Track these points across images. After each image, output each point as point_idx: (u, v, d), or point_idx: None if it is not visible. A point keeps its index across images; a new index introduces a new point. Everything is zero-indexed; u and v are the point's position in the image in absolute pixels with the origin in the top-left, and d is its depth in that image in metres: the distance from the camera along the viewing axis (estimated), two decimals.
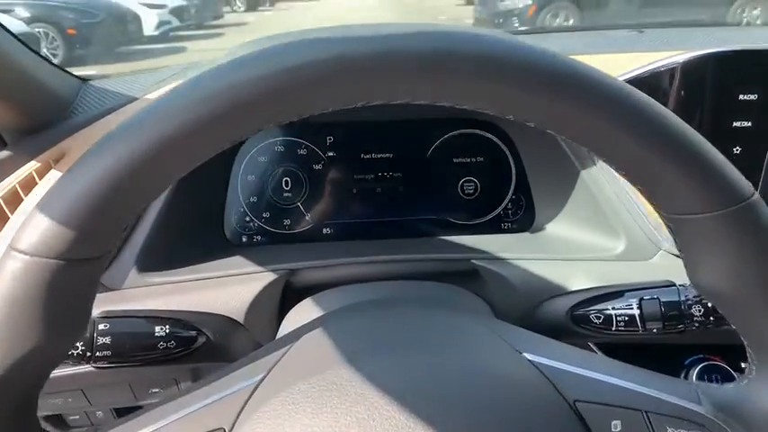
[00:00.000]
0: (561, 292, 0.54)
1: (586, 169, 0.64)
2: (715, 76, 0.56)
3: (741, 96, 0.55)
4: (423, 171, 0.72)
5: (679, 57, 0.57)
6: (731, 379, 0.65)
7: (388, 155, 0.71)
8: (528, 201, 0.73)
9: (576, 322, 0.49)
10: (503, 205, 0.73)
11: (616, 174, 0.62)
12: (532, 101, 0.27)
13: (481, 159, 0.73)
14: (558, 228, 0.70)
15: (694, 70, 0.56)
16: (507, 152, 0.72)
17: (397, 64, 0.25)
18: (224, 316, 0.55)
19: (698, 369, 0.62)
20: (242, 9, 12.38)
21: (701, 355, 0.64)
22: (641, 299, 0.48)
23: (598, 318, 0.48)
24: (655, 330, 0.47)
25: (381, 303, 0.44)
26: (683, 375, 0.63)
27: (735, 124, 0.56)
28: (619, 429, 0.32)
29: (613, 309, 0.48)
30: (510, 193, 0.73)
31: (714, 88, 0.56)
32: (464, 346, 0.36)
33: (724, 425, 0.32)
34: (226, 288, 0.58)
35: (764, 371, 0.32)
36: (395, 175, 0.72)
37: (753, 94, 0.55)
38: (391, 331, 0.38)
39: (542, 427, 0.31)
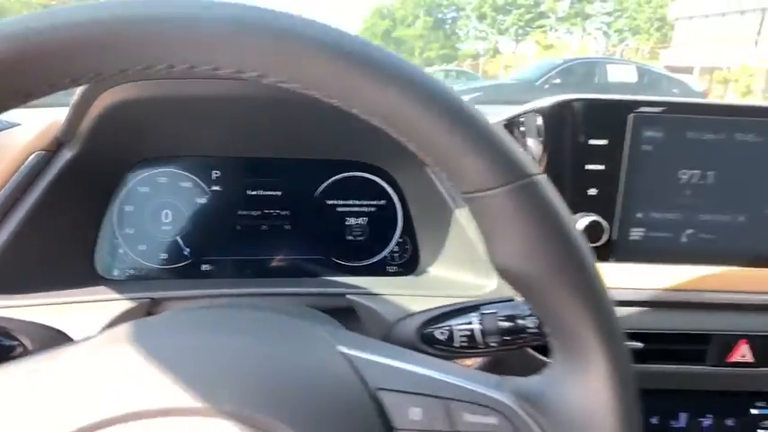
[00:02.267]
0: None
1: (459, 209, 0.67)
2: (570, 121, 0.60)
3: (591, 141, 0.60)
4: (310, 211, 0.72)
5: (545, 102, 0.62)
6: None
7: (275, 193, 0.71)
8: (413, 244, 0.74)
9: (424, 341, 0.48)
10: (389, 248, 0.74)
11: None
12: (333, 79, 0.28)
13: (369, 202, 0.74)
14: (440, 269, 0.71)
15: (554, 116, 0.61)
16: (394, 196, 0.74)
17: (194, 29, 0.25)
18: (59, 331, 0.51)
19: None
20: None
21: None
22: (481, 314, 0.48)
23: (443, 334, 0.48)
24: (494, 345, 0.47)
25: (210, 311, 0.42)
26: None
27: (588, 167, 0.60)
28: (419, 416, 0.31)
29: (456, 325, 0.47)
30: (396, 237, 0.74)
31: (569, 133, 0.60)
32: (278, 334, 0.35)
33: (522, 412, 0.31)
34: (77, 312, 0.55)
35: (563, 359, 0.32)
36: (281, 213, 0.72)
37: (603, 139, 0.60)
38: (204, 318, 0.37)
39: (340, 411, 0.30)
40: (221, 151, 0.69)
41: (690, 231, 0.62)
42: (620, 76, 9.02)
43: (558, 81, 8.71)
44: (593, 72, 9.12)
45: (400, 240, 0.74)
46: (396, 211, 0.74)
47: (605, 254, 0.62)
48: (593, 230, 0.60)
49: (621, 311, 0.63)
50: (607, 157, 0.60)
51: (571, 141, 0.60)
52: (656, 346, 0.63)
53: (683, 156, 0.60)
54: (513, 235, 0.30)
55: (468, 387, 0.32)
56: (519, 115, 0.63)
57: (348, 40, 0.28)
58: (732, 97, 11.77)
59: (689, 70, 15.93)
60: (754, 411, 0.66)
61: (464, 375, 0.33)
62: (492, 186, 0.30)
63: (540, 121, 0.61)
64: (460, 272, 0.67)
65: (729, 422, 0.66)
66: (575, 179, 0.61)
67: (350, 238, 0.73)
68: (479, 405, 0.31)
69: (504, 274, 0.32)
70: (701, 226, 0.62)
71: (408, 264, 0.74)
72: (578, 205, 0.61)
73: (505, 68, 18.38)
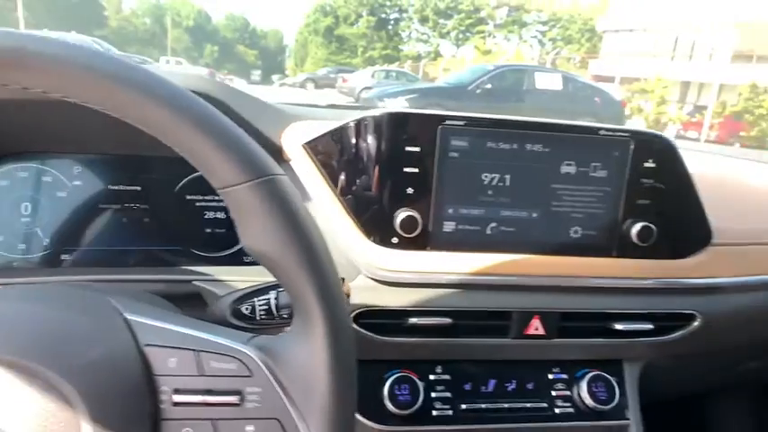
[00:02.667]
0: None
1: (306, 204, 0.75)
2: (392, 130, 0.70)
3: (407, 148, 0.70)
4: (170, 205, 0.78)
5: (375, 112, 0.71)
6: (612, 388, 0.79)
7: (136, 187, 0.77)
8: None
9: (235, 316, 0.56)
10: None
11: (326, 208, 0.73)
12: (101, 92, 0.35)
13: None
14: None
15: (380, 125, 0.70)
16: None
17: None
18: None
19: (586, 379, 0.78)
20: None
21: (587, 369, 0.80)
22: (278, 291, 0.57)
23: (247, 309, 0.56)
24: (286, 316, 0.56)
25: None
26: (576, 386, 0.79)
27: (405, 170, 0.71)
28: (174, 365, 0.39)
29: (258, 301, 0.56)
30: None
31: (391, 140, 0.70)
32: (70, 303, 0.42)
33: (260, 361, 0.40)
34: None
35: (298, 323, 0.42)
36: (141, 207, 0.77)
37: (417, 146, 0.70)
38: (8, 290, 0.43)
39: (110, 362, 0.38)
40: (84, 149, 0.75)
41: (493, 225, 0.74)
42: (547, 84, 9.49)
43: (489, 86, 9.06)
44: (522, 79, 9.54)
45: None
46: None
47: (423, 244, 0.73)
48: (408, 223, 0.70)
49: (437, 293, 0.74)
50: (421, 162, 0.71)
51: (392, 147, 0.70)
52: (465, 321, 0.74)
53: (485, 161, 0.72)
54: (256, 222, 0.39)
55: (217, 341, 0.40)
56: (354, 121, 0.72)
57: (121, 66, 0.36)
58: (647, 105, 12.65)
59: (612, 80, 16.93)
60: (550, 376, 0.79)
61: (217, 332, 0.41)
62: (237, 183, 0.38)
63: (370, 128, 0.71)
64: None
65: (530, 386, 0.78)
66: (395, 179, 0.71)
67: (208, 230, 0.80)
68: (223, 354, 0.40)
69: (252, 254, 0.41)
70: (503, 220, 0.74)
71: None
72: (398, 202, 0.71)
73: (444, 71, 18.82)
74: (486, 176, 0.72)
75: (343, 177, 0.73)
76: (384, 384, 0.73)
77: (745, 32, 18.36)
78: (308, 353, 0.40)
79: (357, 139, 0.72)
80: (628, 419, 0.79)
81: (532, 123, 0.72)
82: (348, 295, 0.58)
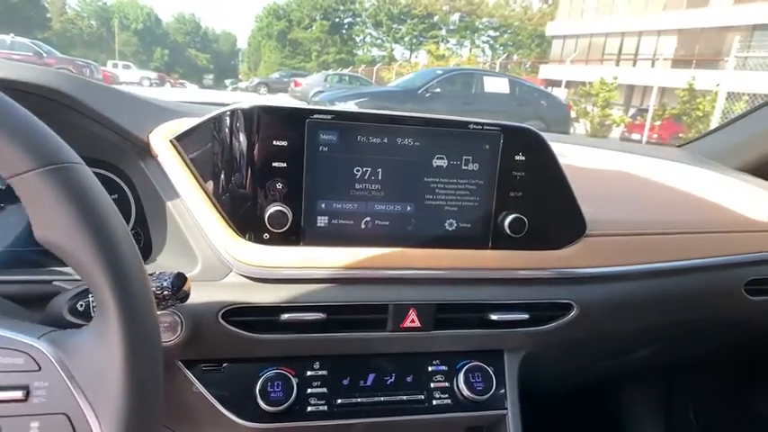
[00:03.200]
0: None
1: (172, 201, 0.73)
2: (259, 124, 0.69)
3: (275, 142, 0.69)
4: None
5: (243, 104, 0.70)
6: (490, 378, 0.80)
7: (0, 187, 0.74)
8: (146, 236, 0.79)
9: (71, 313, 0.55)
10: None
11: (194, 204, 0.71)
12: None
13: None
14: (165, 258, 0.77)
15: (247, 118, 0.69)
16: (127, 190, 0.79)
17: None
18: None
19: (464, 370, 0.79)
20: None
21: (468, 360, 0.81)
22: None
23: (81, 306, 0.54)
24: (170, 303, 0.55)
25: None
26: (455, 378, 0.80)
27: (274, 164, 0.70)
28: None
29: (91, 297, 0.54)
30: (129, 228, 0.79)
31: (259, 134, 0.69)
32: None
33: (50, 355, 0.39)
34: None
35: (97, 315, 0.40)
36: (6, 206, 0.74)
37: (284, 141, 0.70)
38: None
39: None
40: None
41: (367, 219, 0.74)
42: (495, 88, 9.71)
43: (438, 90, 9.18)
44: (471, 83, 9.72)
45: (133, 232, 0.79)
46: (129, 205, 0.79)
47: (296, 239, 0.72)
48: (278, 219, 0.69)
49: (310, 288, 0.73)
50: (290, 157, 0.70)
51: (260, 142, 0.69)
52: (340, 316, 0.74)
53: (355, 156, 0.72)
54: (46, 211, 0.38)
55: (5, 335, 0.39)
56: (223, 113, 0.71)
57: None
58: (593, 109, 13.12)
59: (560, 84, 17.49)
60: (430, 368, 0.80)
61: (7, 327, 0.40)
62: (25, 170, 0.37)
63: (238, 122, 0.70)
64: (179, 259, 0.74)
65: (409, 379, 0.79)
66: (264, 174, 0.70)
67: None
68: (10, 349, 0.38)
69: (44, 245, 0.39)
70: (377, 214, 0.74)
71: (141, 253, 0.79)
72: (268, 197, 0.70)
73: (397, 75, 18.96)
74: (357, 171, 0.72)
75: (211, 173, 0.71)
76: (257, 382, 0.72)
77: (685, 38, 19.35)
78: (103, 346, 0.39)
79: (224, 134, 0.70)
80: (505, 410, 0.81)
81: (402, 117, 0.73)
82: (187, 292, 0.56)
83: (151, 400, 0.40)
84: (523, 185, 0.78)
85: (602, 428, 1.51)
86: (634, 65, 22.35)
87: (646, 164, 1.21)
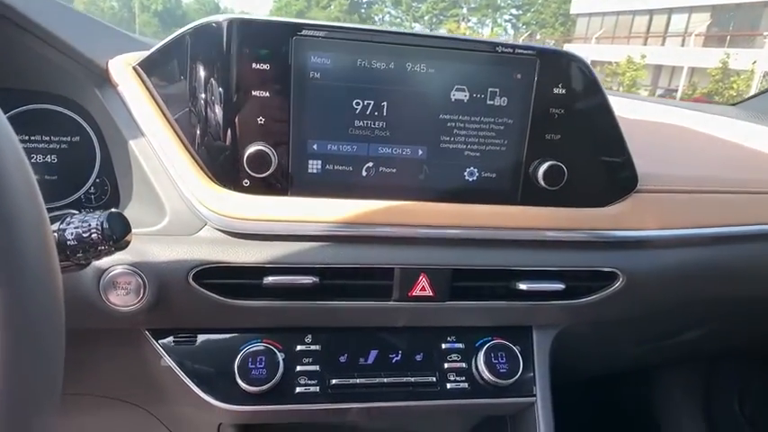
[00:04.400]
0: None
1: (135, 140, 0.61)
2: (230, 43, 0.56)
3: (255, 66, 0.56)
4: None
5: (210, 19, 0.57)
6: (515, 359, 0.68)
7: None
8: (113, 184, 0.68)
9: None
10: (85, 188, 0.67)
11: (160, 144, 0.59)
12: None
13: (61, 138, 0.67)
14: (134, 212, 0.65)
15: (213, 36, 0.56)
16: (90, 131, 0.67)
17: None
18: None
19: (485, 349, 0.67)
20: None
21: (490, 337, 0.69)
22: (65, 222, 0.44)
23: None
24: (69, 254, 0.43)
25: None
26: (474, 358, 0.68)
27: (254, 93, 0.57)
28: None
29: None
30: (93, 177, 0.67)
31: (232, 56, 0.56)
32: None
33: None
34: None
35: None
36: None
37: (266, 63, 0.56)
38: None
39: None
40: None
41: (369, 165, 0.61)
42: None
43: None
44: None
45: (98, 181, 0.67)
46: (93, 148, 0.67)
47: (283, 188, 0.59)
48: (258, 160, 0.57)
49: (300, 246, 0.60)
50: (273, 84, 0.57)
51: (237, 65, 0.56)
52: (336, 281, 0.61)
53: (355, 84, 0.58)
54: None
55: None
56: (193, 29, 0.57)
57: None
58: (617, 88, 12.69)
59: None
60: (444, 346, 0.67)
61: None
62: None
63: (209, 40, 0.57)
64: (148, 212, 0.62)
65: (418, 357, 0.66)
66: (242, 106, 0.57)
67: (43, 176, 0.66)
68: None
69: None
70: (381, 159, 0.61)
71: (108, 205, 0.67)
72: (247, 134, 0.57)
73: None
74: (357, 104, 0.59)
75: (179, 105, 0.59)
76: (236, 357, 0.60)
77: (719, 14, 18.58)
78: None
79: (195, 56, 0.57)
80: (533, 396, 0.67)
81: (413, 36, 0.59)
82: (122, 235, 0.44)
83: (34, 380, 0.28)
84: (563, 126, 0.63)
85: (633, 420, 1.37)
86: (663, 43, 21.54)
87: (701, 118, 1.05)
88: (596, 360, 0.89)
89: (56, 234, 0.40)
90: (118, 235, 0.42)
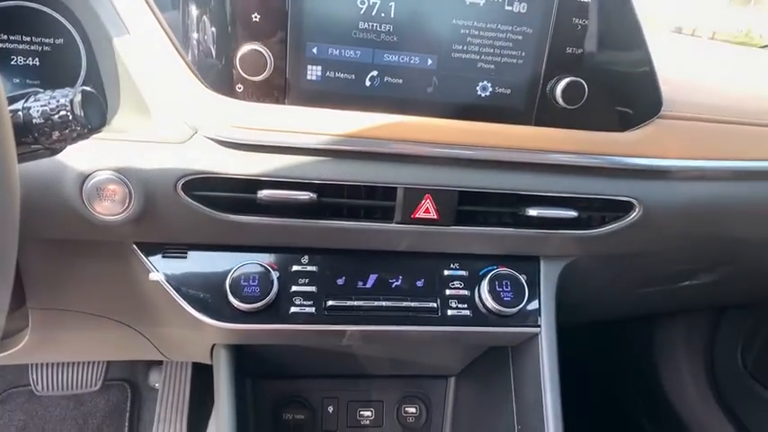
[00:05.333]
0: None
1: (120, 38, 0.56)
2: None
3: None
4: None
5: None
6: (521, 288, 0.65)
7: None
8: (100, 93, 0.63)
9: None
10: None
11: (146, 43, 0.55)
12: None
13: (43, 40, 0.62)
14: (123, 120, 0.61)
15: None
16: (74, 32, 0.62)
17: None
18: None
19: (489, 276, 0.64)
20: None
21: (495, 266, 0.65)
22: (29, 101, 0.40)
23: None
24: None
25: None
26: (478, 285, 0.64)
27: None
28: None
29: None
30: (79, 83, 0.63)
31: None
32: None
33: None
34: None
35: None
36: None
37: None
38: None
39: None
40: None
41: (374, 73, 0.56)
42: None
43: None
44: None
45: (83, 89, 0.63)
46: (79, 54, 0.63)
47: (279, 95, 0.55)
48: (252, 61, 0.52)
49: (297, 159, 0.57)
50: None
51: None
52: (334, 199, 0.58)
53: None
54: None
55: None
56: None
57: None
58: None
59: None
60: (446, 272, 0.64)
61: None
62: None
63: None
64: (137, 118, 0.58)
65: (419, 283, 0.63)
66: (235, 3, 0.52)
67: (17, 81, 0.61)
68: None
69: None
70: (386, 68, 0.56)
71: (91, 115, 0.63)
72: (240, 34, 0.53)
73: None
74: (362, 3, 0.54)
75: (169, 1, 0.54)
76: (228, 275, 0.58)
77: None
78: None
79: None
80: (537, 327, 0.65)
81: None
82: (102, 122, 0.40)
83: None
84: (586, 39, 0.58)
85: (633, 368, 1.37)
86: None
87: (732, 52, 0.98)
88: (601, 300, 0.86)
89: (20, 113, 0.37)
90: (90, 112, 0.38)
